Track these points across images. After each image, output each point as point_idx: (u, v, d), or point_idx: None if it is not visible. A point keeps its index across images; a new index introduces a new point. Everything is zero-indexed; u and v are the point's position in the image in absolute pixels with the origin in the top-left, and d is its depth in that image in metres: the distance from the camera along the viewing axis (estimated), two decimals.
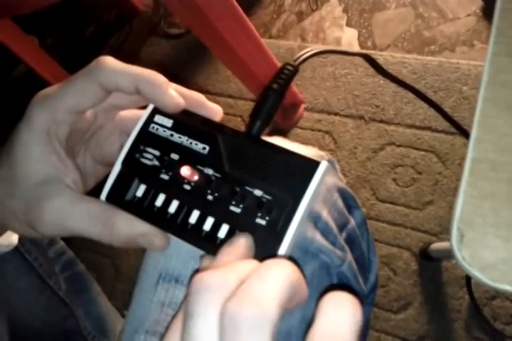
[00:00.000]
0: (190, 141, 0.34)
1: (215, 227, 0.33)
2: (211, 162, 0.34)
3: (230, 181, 0.33)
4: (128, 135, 0.36)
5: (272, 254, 0.31)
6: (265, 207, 0.32)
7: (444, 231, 1.12)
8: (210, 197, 0.33)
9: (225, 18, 0.95)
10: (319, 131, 1.32)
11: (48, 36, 1.76)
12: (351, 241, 0.48)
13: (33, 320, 0.64)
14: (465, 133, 0.81)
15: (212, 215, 0.33)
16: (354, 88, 1.33)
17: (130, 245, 0.35)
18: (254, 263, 0.26)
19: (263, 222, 0.32)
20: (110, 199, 0.36)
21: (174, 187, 0.34)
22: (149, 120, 0.36)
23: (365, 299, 0.49)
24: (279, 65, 0.38)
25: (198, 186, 0.34)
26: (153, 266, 0.45)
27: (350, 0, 1.47)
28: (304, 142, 1.01)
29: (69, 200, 0.35)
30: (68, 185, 0.36)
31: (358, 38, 1.42)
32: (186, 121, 0.35)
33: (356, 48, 1.42)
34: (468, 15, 1.33)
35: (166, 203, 0.34)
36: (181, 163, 0.34)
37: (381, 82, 1.31)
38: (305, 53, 0.39)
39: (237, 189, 0.32)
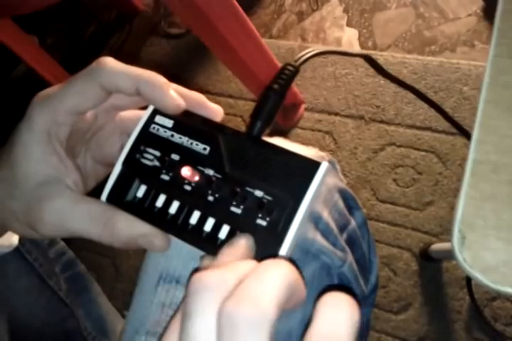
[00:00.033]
0: (190, 141, 0.34)
1: (216, 228, 0.33)
2: (212, 162, 0.33)
3: (230, 182, 0.33)
4: (128, 135, 0.36)
5: (273, 255, 0.31)
6: (266, 207, 0.32)
7: (444, 231, 1.12)
8: (210, 198, 0.33)
9: (226, 17, 0.95)
10: (319, 131, 1.32)
11: (48, 36, 1.76)
12: (352, 242, 0.48)
13: (33, 320, 0.64)
14: (466, 134, 0.81)
15: (212, 216, 0.33)
16: (354, 88, 1.33)
17: (131, 246, 0.35)
18: (253, 263, 0.26)
19: (264, 223, 0.31)
20: (111, 199, 0.36)
21: (175, 188, 0.34)
22: (150, 120, 0.36)
23: (365, 300, 0.49)
24: (280, 65, 0.38)
25: (199, 187, 0.33)
26: (153, 266, 0.45)
27: (351, 0, 1.47)
28: (305, 142, 1.01)
29: (69, 201, 0.35)
30: (69, 186, 0.36)
31: (359, 38, 1.42)
32: (187, 121, 0.35)
33: (357, 48, 1.42)
34: (469, 15, 1.33)
35: (167, 204, 0.34)
36: (182, 163, 0.34)
37: (381, 82, 1.31)
38: (306, 54, 0.39)
39: (238, 189, 0.32)
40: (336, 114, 1.32)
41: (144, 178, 0.35)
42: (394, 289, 1.12)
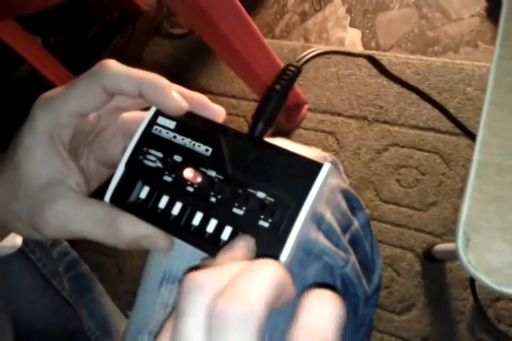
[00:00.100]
0: (193, 142, 0.34)
1: (218, 229, 0.33)
2: (214, 164, 0.33)
3: (232, 183, 0.33)
4: (131, 137, 0.36)
5: (275, 256, 0.31)
6: (268, 209, 0.32)
7: (447, 232, 1.12)
8: (213, 199, 0.33)
9: (228, 18, 0.95)
10: (322, 131, 1.32)
11: (52, 36, 1.76)
12: (355, 243, 0.48)
13: (37, 320, 0.64)
14: (470, 135, 0.81)
15: (215, 217, 0.33)
16: (357, 89, 1.33)
17: (134, 247, 0.35)
18: (246, 264, 0.26)
19: (266, 224, 0.31)
20: (114, 201, 0.36)
21: (177, 189, 0.34)
22: (152, 122, 0.36)
23: (368, 300, 0.49)
24: (282, 65, 0.38)
25: (201, 188, 0.33)
26: (156, 267, 0.45)
27: (354, 0, 1.47)
28: (307, 143, 1.01)
29: (72, 203, 0.35)
30: (72, 188, 0.36)
31: (362, 39, 1.42)
32: (189, 122, 0.35)
33: (360, 49, 1.42)
34: (472, 15, 1.33)
35: (170, 205, 0.34)
36: (184, 164, 0.34)
37: (385, 82, 1.31)
38: (308, 54, 0.39)
39: (240, 191, 0.32)
40: (339, 115, 1.32)
41: (147, 179, 0.35)
42: (397, 289, 1.12)
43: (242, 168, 0.33)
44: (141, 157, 0.35)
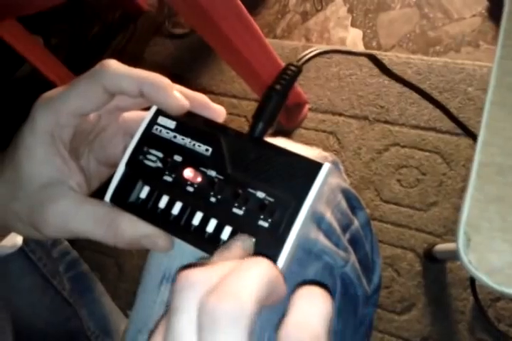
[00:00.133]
0: (193, 142, 0.34)
1: (218, 229, 0.33)
2: (214, 164, 0.34)
3: (232, 183, 0.33)
4: (131, 136, 0.36)
5: (275, 256, 0.31)
6: (268, 208, 0.32)
7: (448, 232, 1.12)
8: (213, 199, 0.33)
9: (230, 17, 0.95)
10: (323, 131, 1.32)
11: (53, 36, 1.76)
12: (355, 242, 0.48)
13: (37, 319, 0.64)
14: (471, 134, 0.81)
15: (215, 217, 0.33)
16: (358, 88, 1.33)
17: (134, 246, 0.35)
18: (238, 262, 0.26)
19: (265, 224, 0.32)
20: (114, 200, 0.36)
21: (177, 189, 0.34)
22: (152, 122, 0.36)
23: (368, 300, 0.49)
24: (283, 65, 0.38)
25: (201, 188, 0.34)
26: (156, 266, 0.45)
27: (355, 0, 1.47)
28: (308, 142, 1.01)
29: (73, 202, 0.35)
30: (72, 187, 0.36)
31: (363, 39, 1.42)
32: (189, 122, 0.35)
33: (361, 48, 1.42)
34: (474, 15, 1.33)
35: (170, 205, 0.34)
36: (184, 164, 0.34)
37: (386, 82, 1.31)
38: (308, 53, 0.39)
39: (240, 191, 0.32)
40: (340, 115, 1.32)
41: (147, 179, 0.35)
42: (397, 289, 1.12)
43: (242, 168, 0.33)
44: (141, 157, 0.35)
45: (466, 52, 1.30)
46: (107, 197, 0.36)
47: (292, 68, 0.37)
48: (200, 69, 1.53)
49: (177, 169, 0.34)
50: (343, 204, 0.47)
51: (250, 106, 1.42)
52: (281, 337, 0.23)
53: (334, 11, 1.49)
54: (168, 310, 0.25)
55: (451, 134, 1.20)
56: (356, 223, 0.49)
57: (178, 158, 0.34)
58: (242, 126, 1.39)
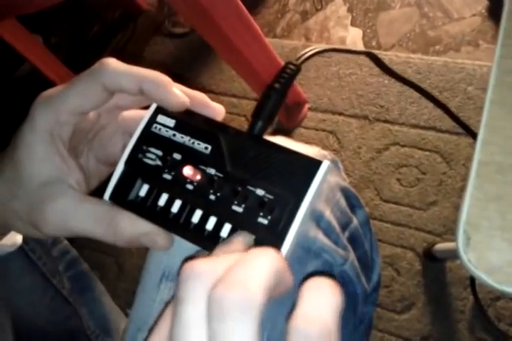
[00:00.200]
0: (192, 140, 0.34)
1: (218, 227, 0.33)
2: (213, 162, 0.34)
3: (232, 181, 0.33)
4: (131, 135, 0.36)
5: None
6: (267, 206, 0.32)
7: (448, 231, 1.12)
8: (212, 197, 0.33)
9: (229, 17, 0.95)
10: (323, 130, 1.32)
11: (53, 35, 1.76)
12: (354, 240, 0.48)
13: (37, 319, 0.64)
14: (471, 133, 0.81)
15: (214, 215, 0.33)
16: (358, 88, 1.33)
17: (134, 244, 0.35)
18: (243, 254, 0.26)
19: (265, 221, 0.32)
20: (113, 199, 0.36)
21: (177, 187, 0.34)
22: (152, 120, 0.36)
23: (367, 298, 0.49)
24: (283, 64, 0.38)
25: (201, 186, 0.34)
26: (156, 265, 0.45)
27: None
28: (308, 142, 1.01)
29: (72, 201, 0.35)
30: (71, 186, 0.36)
31: (363, 38, 1.42)
32: (189, 121, 0.35)
33: (361, 48, 1.42)
34: (474, 15, 1.33)
35: (169, 203, 0.34)
36: (184, 162, 0.34)
37: (386, 81, 1.31)
38: (307, 52, 0.39)
39: (239, 188, 0.33)
40: (340, 114, 1.32)
41: (147, 177, 0.35)
42: (397, 289, 1.12)
43: (241, 166, 0.33)
44: (140, 155, 0.35)
45: (466, 52, 1.30)
46: (107, 195, 0.36)
47: (291, 67, 0.37)
48: (200, 69, 1.53)
49: (176, 167, 0.34)
50: (342, 202, 0.47)
51: (250, 106, 1.42)
52: (291, 330, 0.22)
53: (334, 10, 1.49)
54: (171, 301, 0.26)
55: (450, 133, 1.20)
56: (355, 221, 0.50)
57: (177, 156, 0.35)
58: (242, 125, 1.39)
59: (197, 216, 0.33)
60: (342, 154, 1.27)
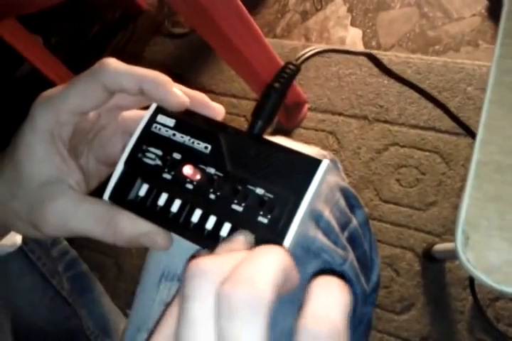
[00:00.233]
0: (192, 140, 0.35)
1: (218, 226, 0.33)
2: (213, 161, 0.34)
3: (232, 180, 0.33)
4: (131, 135, 0.36)
5: None
6: (267, 205, 0.32)
7: (447, 232, 1.12)
8: (212, 196, 0.33)
9: (229, 17, 0.95)
10: (323, 131, 1.32)
11: (53, 35, 1.76)
12: (353, 241, 0.48)
13: (36, 319, 0.64)
14: (471, 134, 0.81)
15: (214, 214, 0.33)
16: (358, 88, 1.33)
17: (133, 244, 0.35)
18: (249, 252, 0.26)
19: (265, 220, 0.32)
20: (113, 198, 0.36)
21: (176, 187, 0.34)
22: (152, 120, 0.36)
23: (367, 298, 0.49)
24: (283, 64, 0.38)
25: (201, 185, 0.34)
26: (155, 264, 0.45)
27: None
28: (308, 142, 1.01)
29: (72, 201, 0.35)
30: (71, 186, 0.36)
31: (363, 38, 1.42)
32: (188, 120, 0.35)
33: (361, 48, 1.42)
34: (473, 15, 1.33)
35: (169, 202, 0.34)
36: (183, 162, 0.34)
37: (385, 82, 1.31)
38: (307, 52, 0.39)
39: (239, 187, 0.33)
40: (340, 114, 1.32)
41: (146, 177, 0.35)
42: (397, 289, 1.12)
43: (241, 165, 0.33)
44: (140, 155, 0.36)
45: (465, 52, 1.30)
46: (106, 195, 0.36)
47: (291, 67, 0.37)
48: (200, 69, 1.53)
49: (176, 167, 0.34)
50: (342, 202, 0.47)
51: (250, 106, 1.42)
52: (300, 329, 0.22)
53: (334, 10, 1.49)
54: (175, 299, 0.25)
55: (450, 134, 1.20)
56: (355, 221, 0.50)
57: (177, 155, 0.35)
58: (242, 125, 1.39)
59: (197, 215, 0.33)
60: (341, 154, 1.27)
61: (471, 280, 1.05)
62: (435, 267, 1.11)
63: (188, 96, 0.35)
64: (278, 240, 0.31)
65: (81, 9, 1.78)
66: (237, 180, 0.33)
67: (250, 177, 0.33)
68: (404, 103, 1.27)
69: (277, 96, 0.36)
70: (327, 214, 0.44)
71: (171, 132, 0.35)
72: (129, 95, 0.36)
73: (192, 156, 0.34)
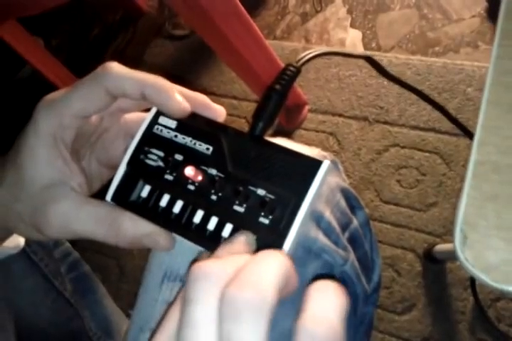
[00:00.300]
0: (193, 141, 0.35)
1: (219, 227, 0.33)
2: (215, 162, 0.34)
3: (233, 181, 0.33)
4: (133, 137, 0.36)
5: None
6: (268, 206, 0.32)
7: (448, 232, 1.12)
8: (213, 197, 0.33)
9: (229, 19, 0.95)
10: (323, 132, 1.32)
11: (53, 37, 1.76)
12: (354, 241, 0.48)
13: (39, 320, 0.64)
14: (469, 135, 0.81)
15: (216, 215, 0.33)
16: (358, 89, 1.33)
17: (136, 245, 0.35)
18: (249, 256, 0.27)
19: (266, 221, 0.32)
20: (115, 200, 0.36)
21: (178, 188, 0.34)
22: (153, 121, 0.36)
23: (368, 299, 0.50)
24: (283, 66, 0.38)
25: (202, 186, 0.34)
26: (158, 265, 0.45)
27: (355, 1, 1.47)
28: (308, 143, 1.02)
29: (74, 203, 0.35)
30: (73, 188, 0.36)
31: (363, 39, 1.42)
32: (190, 122, 0.35)
33: (360, 49, 1.42)
34: (473, 16, 1.33)
35: (171, 203, 0.34)
36: (185, 163, 0.35)
37: (385, 83, 1.31)
38: (307, 55, 0.40)
39: (241, 188, 0.33)
40: (340, 115, 1.32)
41: (148, 178, 0.36)
42: (398, 290, 1.12)
43: (242, 166, 0.33)
44: (142, 156, 0.36)
45: (465, 53, 1.30)
46: (108, 196, 0.36)
47: (291, 69, 0.38)
48: (201, 71, 1.53)
49: (178, 168, 0.35)
50: (342, 203, 0.48)
51: (250, 107, 1.42)
52: (299, 330, 0.23)
53: (334, 12, 1.49)
54: (176, 302, 0.26)
55: (450, 135, 1.20)
56: (355, 222, 0.50)
57: (179, 157, 0.35)
58: (243, 126, 1.39)
59: (198, 216, 0.34)
60: (342, 155, 1.28)
61: (472, 280, 1.05)
62: (436, 268, 1.11)
63: (189, 98, 0.36)
64: (279, 241, 0.31)
65: (82, 11, 1.78)
66: (239, 181, 0.33)
67: (251, 178, 0.33)
68: (404, 104, 1.27)
69: (278, 98, 0.36)
70: (328, 214, 0.44)
71: (172, 133, 0.35)
72: (131, 99, 0.36)
73: (194, 157, 0.34)
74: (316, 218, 0.43)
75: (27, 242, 0.57)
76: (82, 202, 0.35)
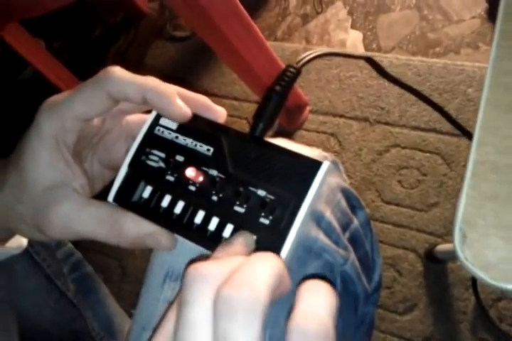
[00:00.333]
0: (194, 142, 0.35)
1: (220, 227, 0.33)
2: (215, 163, 0.34)
3: (233, 182, 0.33)
4: (134, 139, 0.37)
5: (276, 253, 0.31)
6: (268, 206, 0.32)
7: (449, 232, 1.12)
8: (214, 198, 0.34)
9: (230, 20, 0.96)
10: (324, 133, 1.32)
11: (55, 39, 1.77)
12: (354, 241, 0.49)
13: (42, 320, 0.64)
14: (468, 135, 0.81)
15: (217, 215, 0.34)
16: (359, 90, 1.33)
17: (138, 245, 0.36)
18: (246, 257, 0.27)
19: (266, 222, 0.32)
20: (117, 200, 0.37)
21: (179, 188, 0.35)
22: (155, 123, 0.36)
23: (368, 298, 0.50)
24: (284, 67, 0.39)
25: (203, 187, 0.34)
26: (159, 265, 0.46)
27: (355, 2, 1.47)
28: (309, 144, 1.02)
29: (76, 204, 0.35)
30: (75, 190, 0.37)
31: (363, 41, 1.43)
32: (191, 123, 0.36)
33: (361, 50, 1.42)
34: (473, 17, 1.33)
35: (172, 204, 0.35)
36: (186, 164, 0.35)
37: (386, 84, 1.31)
38: (307, 55, 0.40)
39: (241, 189, 0.33)
40: (341, 116, 1.32)
41: (150, 179, 0.36)
42: (399, 290, 1.12)
43: (243, 167, 0.34)
44: (143, 157, 0.36)
45: (465, 54, 1.30)
46: (110, 197, 0.37)
47: (291, 70, 0.38)
48: (202, 72, 1.53)
49: (179, 169, 0.35)
50: (343, 203, 0.48)
51: (251, 108, 1.42)
52: (290, 327, 0.23)
53: (334, 13, 1.49)
54: (174, 302, 0.26)
55: (451, 135, 1.20)
56: (356, 222, 0.50)
57: (180, 158, 0.35)
58: (243, 127, 1.39)
59: (199, 217, 0.34)
60: (343, 156, 1.28)
61: (474, 280, 1.05)
62: (437, 268, 1.11)
63: (190, 99, 0.36)
64: (279, 241, 0.31)
65: (83, 13, 1.78)
66: (239, 182, 0.33)
67: (252, 179, 0.33)
68: (405, 105, 1.27)
69: (278, 99, 0.37)
70: (328, 214, 0.45)
71: (173, 135, 0.36)
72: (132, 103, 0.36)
73: (194, 158, 0.35)
74: (317, 218, 0.44)
75: (30, 243, 0.58)
76: (84, 203, 0.36)
